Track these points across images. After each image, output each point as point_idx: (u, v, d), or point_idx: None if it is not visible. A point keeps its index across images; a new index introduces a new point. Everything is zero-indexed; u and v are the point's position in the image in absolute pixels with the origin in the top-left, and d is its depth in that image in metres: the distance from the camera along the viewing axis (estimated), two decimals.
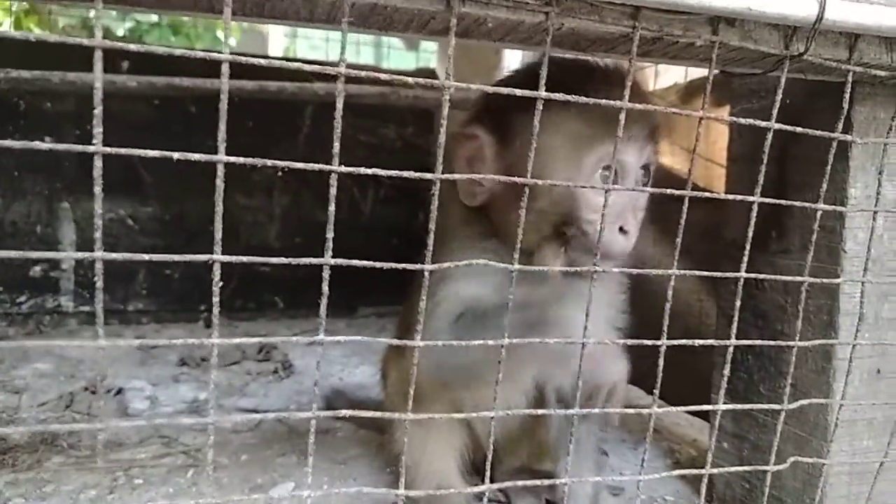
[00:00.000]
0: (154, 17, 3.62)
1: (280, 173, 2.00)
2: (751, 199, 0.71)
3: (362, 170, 0.50)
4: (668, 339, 0.67)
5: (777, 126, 0.67)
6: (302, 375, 1.56)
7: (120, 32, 3.66)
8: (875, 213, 0.78)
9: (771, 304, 0.93)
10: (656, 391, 0.70)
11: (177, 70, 1.61)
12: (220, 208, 0.44)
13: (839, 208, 0.79)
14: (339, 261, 0.49)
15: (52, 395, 1.32)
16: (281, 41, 5.41)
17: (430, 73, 2.33)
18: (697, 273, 0.71)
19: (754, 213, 0.71)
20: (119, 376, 1.46)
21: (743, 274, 0.73)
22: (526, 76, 0.79)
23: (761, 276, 0.77)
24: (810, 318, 0.87)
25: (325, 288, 0.50)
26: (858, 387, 0.86)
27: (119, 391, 1.35)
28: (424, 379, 0.60)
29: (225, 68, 0.45)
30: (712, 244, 1.12)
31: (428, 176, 0.52)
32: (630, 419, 1.32)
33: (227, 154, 0.45)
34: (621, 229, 0.76)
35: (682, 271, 0.66)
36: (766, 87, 0.94)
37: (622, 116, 0.56)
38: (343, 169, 0.49)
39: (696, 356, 1.07)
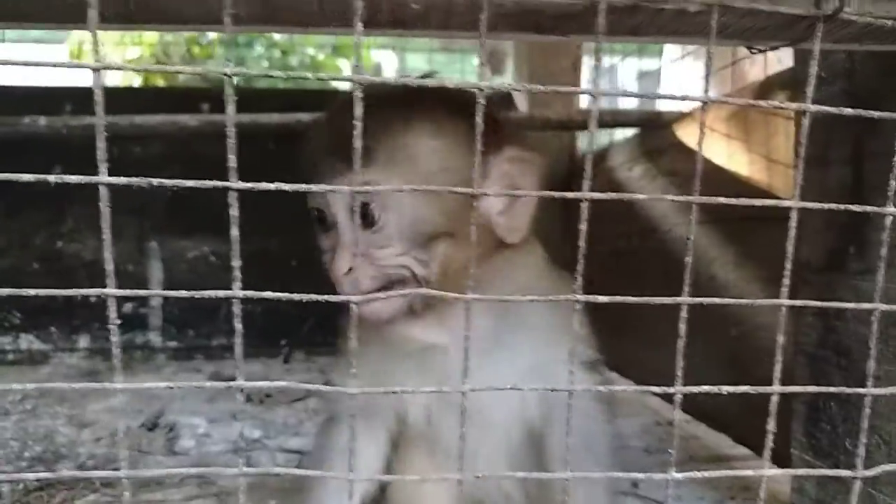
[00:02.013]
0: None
1: None
2: (788, 203, 0.56)
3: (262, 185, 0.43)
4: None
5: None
6: None
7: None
8: None
9: (854, 339, 0.75)
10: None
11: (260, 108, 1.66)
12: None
13: None
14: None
15: (110, 430, 1.34)
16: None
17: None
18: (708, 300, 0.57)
19: (793, 221, 0.56)
20: (183, 412, 1.47)
21: (784, 301, 0.58)
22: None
23: (809, 302, 0.61)
24: None
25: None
26: None
27: (172, 428, 1.35)
28: None
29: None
30: (797, 266, 0.95)
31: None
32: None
33: None
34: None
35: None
36: (836, 71, 0.77)
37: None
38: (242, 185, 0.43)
39: (785, 399, 0.89)
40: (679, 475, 0.54)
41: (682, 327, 0.57)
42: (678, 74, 2.39)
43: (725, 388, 0.55)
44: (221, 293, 0.48)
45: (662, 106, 1.91)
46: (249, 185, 0.44)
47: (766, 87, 1.13)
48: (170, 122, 1.64)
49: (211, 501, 1.05)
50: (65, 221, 1.96)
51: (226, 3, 0.42)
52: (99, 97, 0.42)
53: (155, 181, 0.43)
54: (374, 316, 0.68)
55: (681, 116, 1.42)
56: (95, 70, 0.44)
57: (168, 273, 1.97)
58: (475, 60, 3.00)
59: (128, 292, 0.45)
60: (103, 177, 0.45)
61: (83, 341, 1.95)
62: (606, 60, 2.66)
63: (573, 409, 0.75)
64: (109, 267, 0.45)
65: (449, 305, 0.71)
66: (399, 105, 0.66)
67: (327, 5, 0.54)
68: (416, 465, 0.79)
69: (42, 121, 1.59)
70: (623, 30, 0.59)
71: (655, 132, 1.52)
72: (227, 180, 0.43)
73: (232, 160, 0.44)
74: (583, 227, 0.52)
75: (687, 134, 1.35)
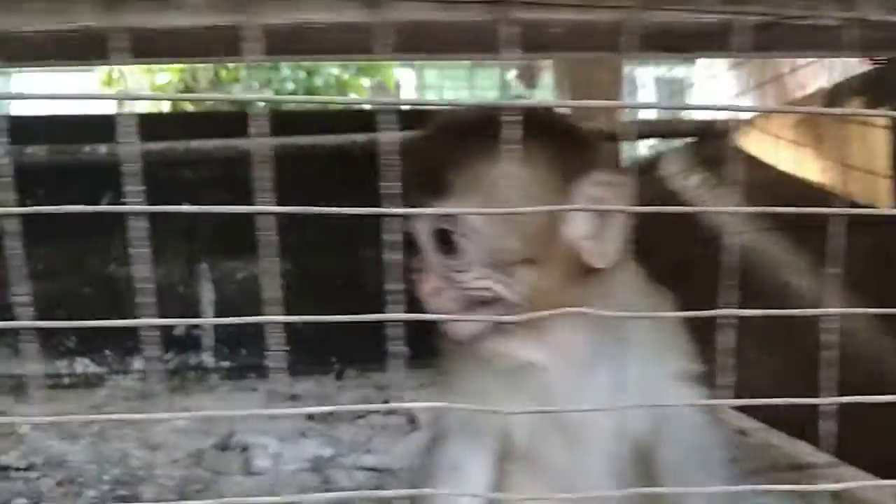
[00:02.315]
0: None
1: None
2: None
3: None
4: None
5: None
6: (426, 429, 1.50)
7: None
8: None
9: None
10: None
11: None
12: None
13: None
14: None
15: (184, 451, 1.36)
16: None
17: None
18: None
19: None
20: (250, 431, 1.47)
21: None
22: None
23: None
24: None
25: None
26: None
27: (245, 448, 1.36)
28: None
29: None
30: (884, 273, 0.95)
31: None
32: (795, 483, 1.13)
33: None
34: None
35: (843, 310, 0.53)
36: None
37: None
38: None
39: (882, 407, 0.89)
40: (838, 486, 0.55)
41: (830, 338, 0.57)
42: (709, 84, 2.40)
43: (868, 398, 0.55)
44: (377, 317, 0.48)
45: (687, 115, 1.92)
46: (380, 209, 0.45)
47: (836, 94, 1.14)
48: (224, 146, 1.66)
49: None
50: (116, 245, 1.98)
51: (379, 35, 0.44)
52: (261, 127, 0.44)
53: (303, 209, 0.44)
54: (459, 333, 0.69)
55: (738, 125, 1.43)
56: (252, 102, 0.45)
57: (218, 294, 1.99)
58: (508, 75, 3.02)
59: (283, 318, 0.45)
60: (262, 206, 0.46)
61: (137, 363, 1.97)
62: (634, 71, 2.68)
63: (684, 423, 0.76)
64: (273, 294, 0.46)
65: (544, 322, 0.72)
66: (479, 131, 0.66)
67: (470, 33, 0.56)
68: (519, 484, 0.80)
69: (103, 149, 1.61)
70: (756, 46, 0.60)
71: (710, 141, 1.53)
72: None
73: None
74: (732, 240, 0.53)
75: (747, 142, 1.35)
